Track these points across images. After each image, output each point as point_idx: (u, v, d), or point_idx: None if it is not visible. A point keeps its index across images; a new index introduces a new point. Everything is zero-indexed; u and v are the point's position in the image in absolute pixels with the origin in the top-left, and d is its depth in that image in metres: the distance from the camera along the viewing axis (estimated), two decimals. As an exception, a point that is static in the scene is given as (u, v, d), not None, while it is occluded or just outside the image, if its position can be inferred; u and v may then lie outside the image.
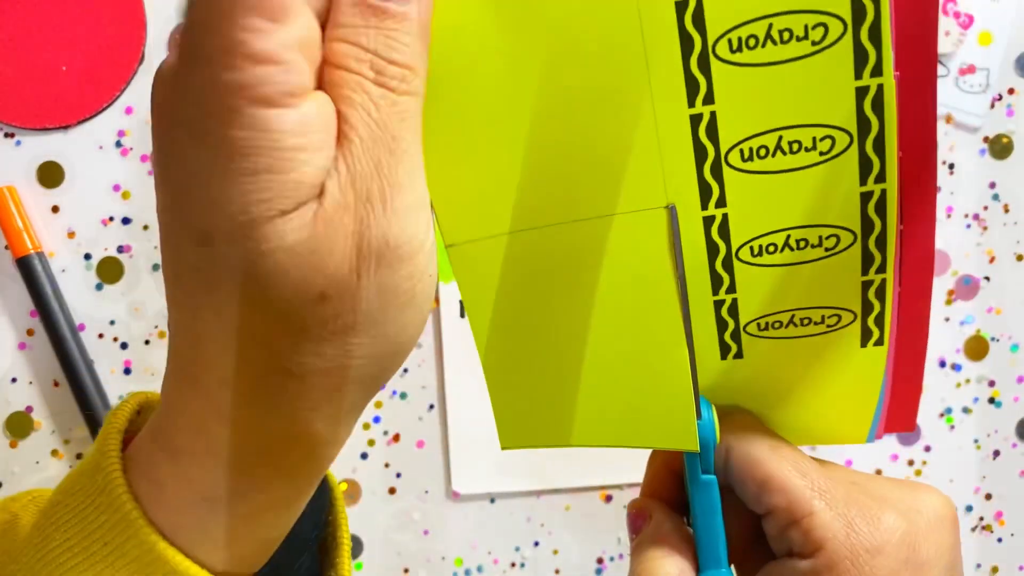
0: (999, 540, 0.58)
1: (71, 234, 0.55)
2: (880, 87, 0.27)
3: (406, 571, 0.57)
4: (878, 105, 0.27)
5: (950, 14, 0.54)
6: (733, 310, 0.31)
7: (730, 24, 0.26)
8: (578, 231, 0.30)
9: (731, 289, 0.30)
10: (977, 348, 0.57)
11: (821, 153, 0.28)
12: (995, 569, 0.58)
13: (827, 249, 0.30)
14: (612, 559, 0.58)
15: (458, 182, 0.30)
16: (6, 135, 0.54)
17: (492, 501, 0.57)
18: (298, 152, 0.24)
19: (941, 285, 0.57)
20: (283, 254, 0.25)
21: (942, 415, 0.58)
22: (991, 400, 0.58)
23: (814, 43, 0.26)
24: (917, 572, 0.31)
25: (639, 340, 0.31)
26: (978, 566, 0.58)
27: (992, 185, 0.56)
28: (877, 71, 0.27)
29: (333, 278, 0.25)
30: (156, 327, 0.55)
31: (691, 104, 0.27)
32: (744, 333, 0.31)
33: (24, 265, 0.53)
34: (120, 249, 0.55)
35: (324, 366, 0.26)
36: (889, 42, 0.26)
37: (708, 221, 0.29)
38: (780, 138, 0.28)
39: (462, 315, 0.56)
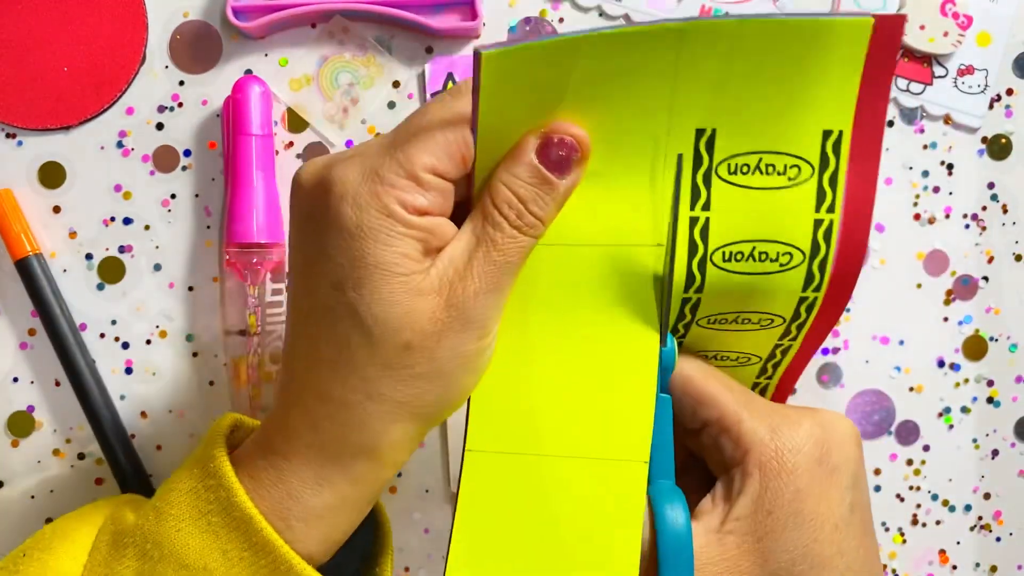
0: (997, 539, 0.58)
1: (72, 234, 0.55)
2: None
3: (407, 570, 0.57)
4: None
5: (949, 15, 0.54)
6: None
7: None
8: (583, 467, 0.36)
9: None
10: (976, 348, 0.58)
11: (789, 179, 0.35)
12: (994, 568, 0.58)
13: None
14: (612, 558, 0.58)
15: (498, 396, 0.36)
16: (7, 135, 0.54)
17: (492, 500, 0.57)
18: (410, 252, 0.33)
19: (940, 285, 0.57)
20: (385, 307, 0.33)
21: (941, 415, 0.58)
22: (990, 400, 0.58)
23: None
24: (830, 474, 0.36)
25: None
26: (977, 565, 0.58)
27: (991, 185, 0.57)
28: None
29: (419, 334, 0.33)
30: (157, 327, 0.55)
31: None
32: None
33: (23, 267, 0.53)
34: (121, 249, 0.55)
35: (398, 399, 0.34)
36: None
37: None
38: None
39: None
